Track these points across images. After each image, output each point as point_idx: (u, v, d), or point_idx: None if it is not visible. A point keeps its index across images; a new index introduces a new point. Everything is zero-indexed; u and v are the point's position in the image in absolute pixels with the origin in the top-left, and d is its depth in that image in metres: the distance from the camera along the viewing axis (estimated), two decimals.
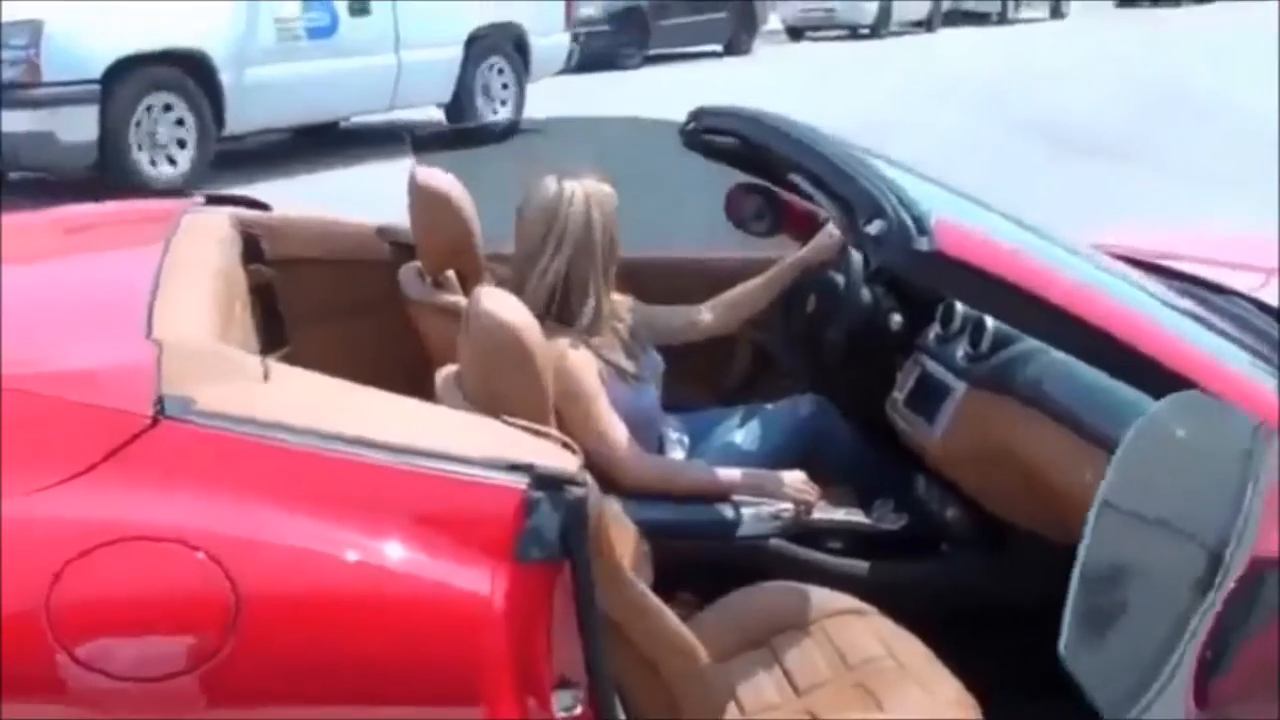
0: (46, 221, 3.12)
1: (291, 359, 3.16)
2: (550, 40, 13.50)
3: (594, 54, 18.45)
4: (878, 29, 24.98)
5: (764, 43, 22.72)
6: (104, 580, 1.69)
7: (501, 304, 2.18)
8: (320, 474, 1.81)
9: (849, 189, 2.25)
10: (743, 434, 3.19)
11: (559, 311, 2.89)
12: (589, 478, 1.92)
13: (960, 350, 2.95)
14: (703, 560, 2.79)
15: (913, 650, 2.54)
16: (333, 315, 3.28)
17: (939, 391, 2.95)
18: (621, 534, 2.53)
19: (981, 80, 16.88)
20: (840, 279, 3.21)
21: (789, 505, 2.84)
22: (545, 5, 13.32)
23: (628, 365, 2.97)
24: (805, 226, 3.47)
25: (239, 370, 2.00)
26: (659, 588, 2.57)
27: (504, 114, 12.82)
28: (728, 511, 2.82)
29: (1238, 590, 1.76)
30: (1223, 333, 2.52)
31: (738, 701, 2.49)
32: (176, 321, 2.12)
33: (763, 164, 2.91)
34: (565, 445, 2.04)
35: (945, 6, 27.67)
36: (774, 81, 16.96)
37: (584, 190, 2.88)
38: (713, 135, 3.02)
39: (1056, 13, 31.38)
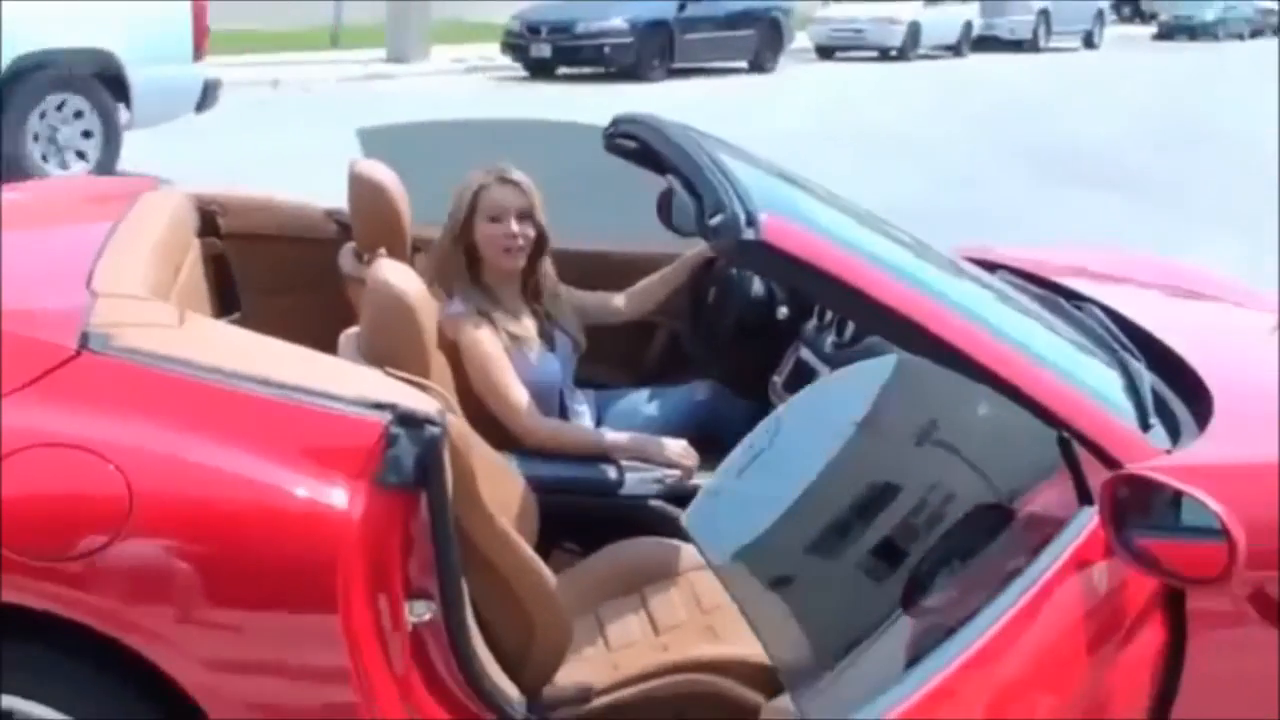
0: (29, 194, 3.52)
1: (241, 324, 3.53)
2: (167, 72, 9.68)
3: (619, 65, 18.97)
4: (906, 52, 25.33)
5: (792, 61, 23.04)
6: (24, 478, 2.06)
7: (394, 274, 2.54)
8: (213, 402, 2.18)
9: (701, 185, 2.60)
10: (645, 411, 3.54)
11: (470, 283, 3.28)
12: (449, 419, 2.28)
13: (829, 339, 3.30)
14: (587, 515, 3.14)
15: None
16: (281, 287, 3.64)
17: (809, 375, 3.29)
18: (510, 486, 2.89)
19: (1002, 106, 17.13)
20: (735, 273, 3.56)
21: (673, 471, 3.18)
22: (156, 27, 9.56)
23: (531, 336, 3.32)
24: None
25: (158, 317, 2.38)
26: (544, 538, 2.93)
27: (82, 167, 9.38)
28: (612, 472, 3.17)
29: (964, 523, 2.10)
30: (1058, 331, 2.86)
31: (605, 638, 2.84)
32: (114, 277, 2.49)
33: (659, 165, 3.26)
34: (435, 395, 2.39)
35: (976, 32, 27.89)
36: (792, 99, 17.30)
37: (481, 177, 3.26)
38: (626, 140, 3.37)
39: (1089, 43, 31.54)
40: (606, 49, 19.09)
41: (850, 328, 3.22)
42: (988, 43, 28.27)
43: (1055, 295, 3.32)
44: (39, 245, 2.93)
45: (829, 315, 3.37)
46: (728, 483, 2.08)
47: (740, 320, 3.53)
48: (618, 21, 19.12)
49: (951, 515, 2.19)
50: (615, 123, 3.44)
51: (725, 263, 3.60)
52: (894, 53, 25.30)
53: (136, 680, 2.13)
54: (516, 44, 19.87)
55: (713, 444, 3.55)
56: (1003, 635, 1.95)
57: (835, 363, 3.22)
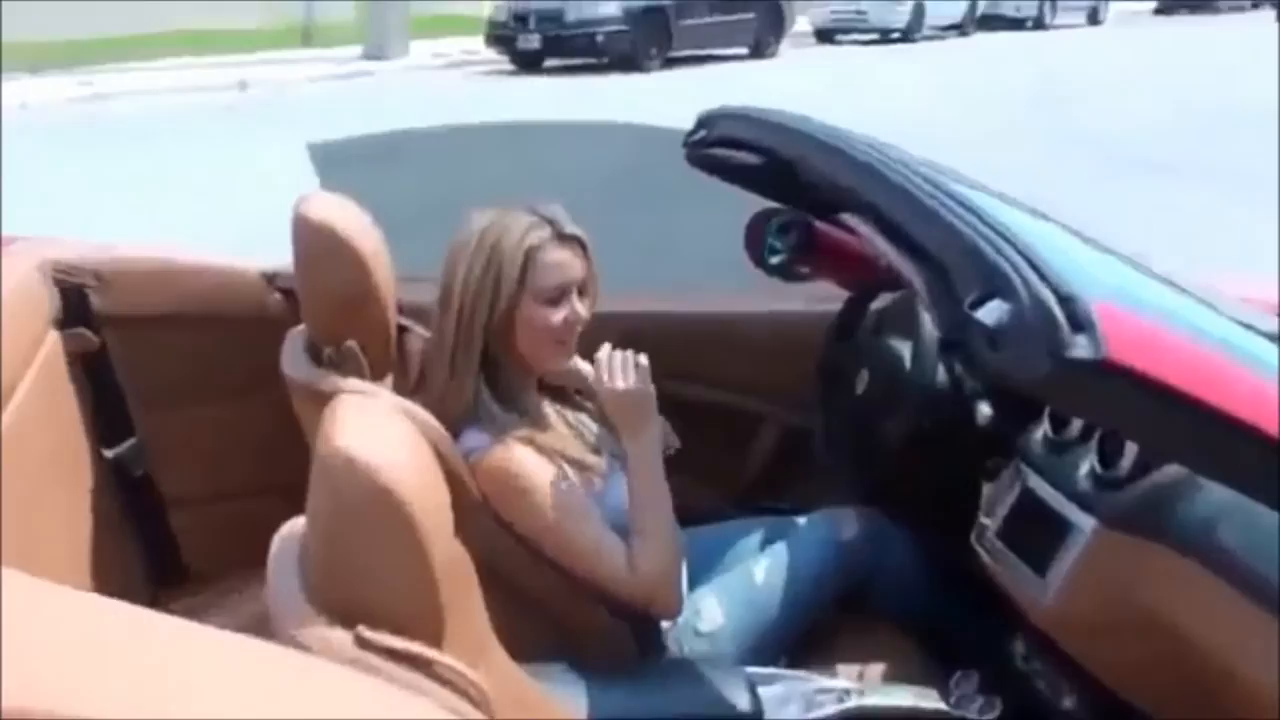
0: None
1: (140, 452, 2.33)
2: None
3: (613, 55, 17.75)
4: (910, 32, 24.18)
5: (792, 45, 21.93)
6: None
7: (362, 429, 1.30)
8: None
9: (941, 242, 1.37)
10: (764, 563, 2.28)
11: (493, 393, 2.05)
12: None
13: (1085, 467, 1.99)
14: None
15: None
16: (198, 393, 2.40)
17: (1054, 525, 1.99)
18: None
19: (1016, 87, 16.09)
20: (905, 349, 2.29)
21: (830, 701, 1.95)
22: None
23: (590, 458, 2.11)
24: (851, 266, 2.60)
25: None
26: None
27: None
28: (743, 700, 1.93)
29: None
30: None
31: None
32: None
33: (795, 189, 2.03)
34: (456, 684, 1.18)
35: (980, 10, 26.98)
36: (799, 86, 16.17)
37: (528, 230, 2.03)
38: (727, 149, 2.15)
39: (1094, 19, 30.79)
40: (599, 38, 17.75)
41: (1129, 455, 1.92)
42: (992, 21, 27.40)
43: None
44: None
45: (1074, 426, 2.08)
46: None
47: (916, 422, 2.23)
48: (611, 9, 17.79)
49: None
50: (707, 124, 2.23)
51: (875, 331, 2.38)
52: (896, 34, 24.19)
53: None
54: (502, 35, 18.57)
55: (867, 607, 2.35)
56: None
57: (1103, 509, 1.93)
